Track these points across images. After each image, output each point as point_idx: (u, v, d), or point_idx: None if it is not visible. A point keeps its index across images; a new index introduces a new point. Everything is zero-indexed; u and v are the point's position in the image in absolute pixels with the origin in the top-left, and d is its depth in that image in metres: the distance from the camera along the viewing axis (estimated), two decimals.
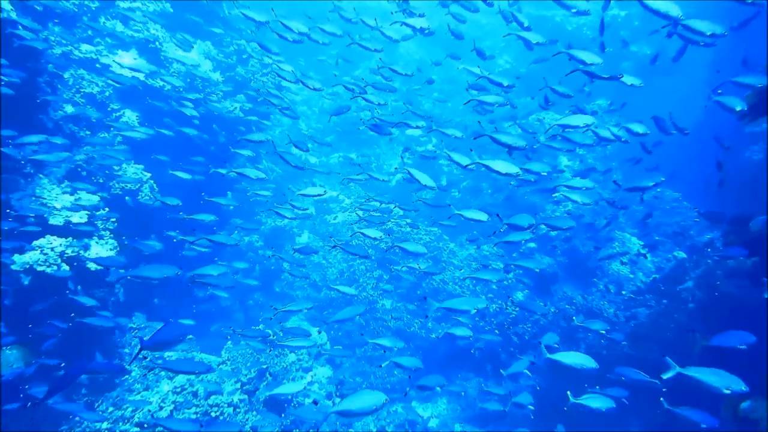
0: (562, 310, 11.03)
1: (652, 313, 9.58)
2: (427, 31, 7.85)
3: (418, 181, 6.77)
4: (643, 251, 12.07)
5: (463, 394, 10.56)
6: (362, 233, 7.44)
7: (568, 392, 5.63)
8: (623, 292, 11.05)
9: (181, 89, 10.42)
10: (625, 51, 18.93)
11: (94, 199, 8.39)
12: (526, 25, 7.88)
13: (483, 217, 6.60)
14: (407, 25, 7.92)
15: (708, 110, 19.84)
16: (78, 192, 8.29)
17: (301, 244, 14.97)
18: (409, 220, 12.82)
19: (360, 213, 10.20)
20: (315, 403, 8.17)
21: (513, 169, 5.99)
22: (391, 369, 11.65)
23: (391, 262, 13.23)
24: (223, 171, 8.75)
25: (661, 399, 5.25)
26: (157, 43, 11.19)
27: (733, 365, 4.87)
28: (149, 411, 7.57)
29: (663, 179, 6.77)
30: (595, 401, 5.59)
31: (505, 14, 7.68)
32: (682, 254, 12.06)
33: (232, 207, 9.92)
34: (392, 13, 8.15)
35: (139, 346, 5.52)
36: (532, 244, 12.76)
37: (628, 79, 6.54)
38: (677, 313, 9.25)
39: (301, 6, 14.36)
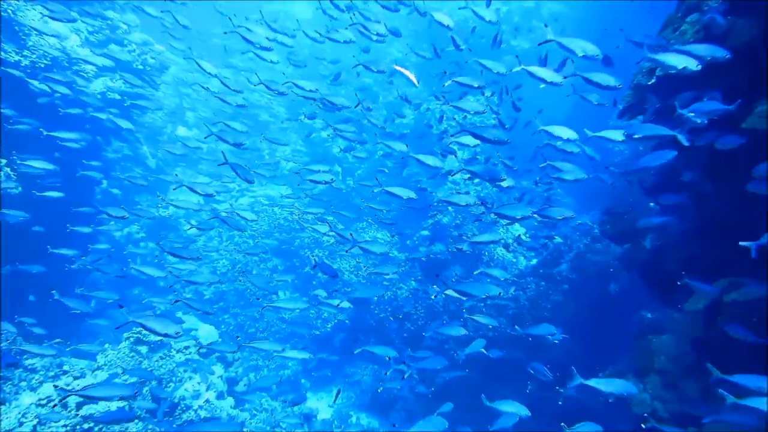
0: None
1: (532, 296, 10.27)
2: (376, 38, 7.67)
3: (400, 196, 6.99)
4: (525, 238, 12.84)
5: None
6: (338, 234, 7.37)
7: (563, 424, 5.19)
8: (507, 276, 11.71)
9: (42, 65, 9.17)
10: (505, 45, 19.95)
11: None
12: (462, 47, 8.17)
13: (471, 200, 6.67)
14: (365, 29, 7.69)
15: (577, 105, 21.66)
16: None
17: (189, 235, 14.11)
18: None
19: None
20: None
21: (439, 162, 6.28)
22: (285, 362, 11.43)
23: (291, 253, 12.95)
24: (169, 178, 7.96)
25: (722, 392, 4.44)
26: (9, 10, 9.70)
27: None
28: (7, 430, 6.68)
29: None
30: (590, 428, 5.21)
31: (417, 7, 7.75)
32: (558, 239, 13.07)
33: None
34: (351, 17, 7.93)
35: None
36: (425, 232, 13.11)
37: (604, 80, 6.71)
38: (554, 294, 10.06)
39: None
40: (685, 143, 4.98)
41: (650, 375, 5.21)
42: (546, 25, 5.24)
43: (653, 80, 5.80)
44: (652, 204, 6.90)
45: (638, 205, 7.10)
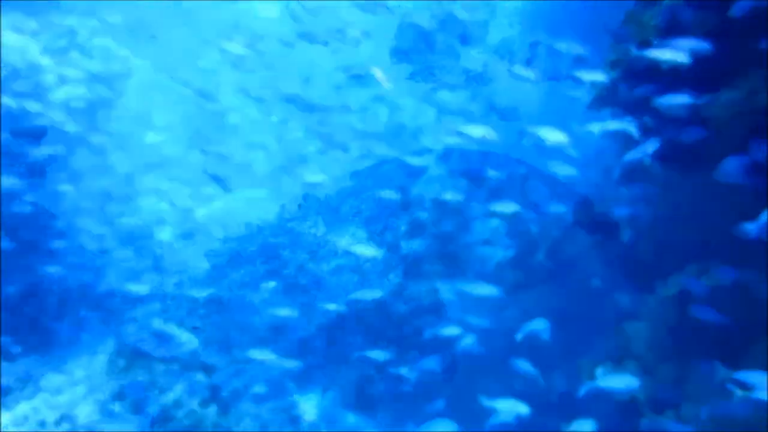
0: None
1: (511, 287, 10.38)
2: (353, 43, 7.63)
3: (387, 198, 7.00)
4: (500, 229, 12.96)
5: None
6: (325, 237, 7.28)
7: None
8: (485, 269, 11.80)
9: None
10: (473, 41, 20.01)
11: None
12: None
13: (459, 197, 6.57)
14: (341, 35, 7.63)
15: (547, 96, 21.95)
16: None
17: (162, 241, 13.86)
18: None
19: None
20: None
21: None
22: (271, 366, 11.33)
23: (271, 256, 12.80)
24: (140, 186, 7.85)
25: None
26: None
27: None
28: None
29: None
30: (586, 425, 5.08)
31: None
32: (534, 227, 13.20)
33: None
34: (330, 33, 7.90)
35: None
36: (403, 228, 13.12)
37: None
38: (532, 284, 10.19)
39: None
40: (636, 135, 5.11)
41: (627, 361, 5.35)
42: (537, 35, 5.30)
43: (618, 72, 5.92)
44: (623, 190, 7.04)
45: (609, 194, 7.25)
